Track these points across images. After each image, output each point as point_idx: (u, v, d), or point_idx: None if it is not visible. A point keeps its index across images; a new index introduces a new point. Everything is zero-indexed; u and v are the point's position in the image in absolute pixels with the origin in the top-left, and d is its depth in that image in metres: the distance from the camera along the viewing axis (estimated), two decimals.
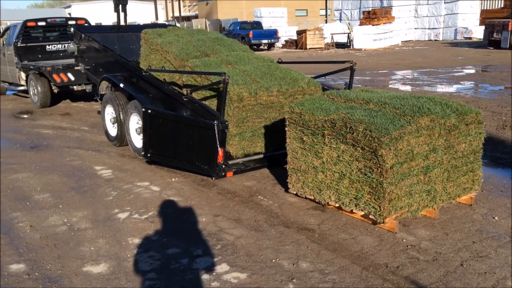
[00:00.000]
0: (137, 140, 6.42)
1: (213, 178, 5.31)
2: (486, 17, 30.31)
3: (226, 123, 5.03)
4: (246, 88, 5.24)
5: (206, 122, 5.08)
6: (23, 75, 11.45)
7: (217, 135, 4.93)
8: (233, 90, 5.13)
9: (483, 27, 27.18)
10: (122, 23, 9.03)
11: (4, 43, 12.33)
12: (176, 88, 6.10)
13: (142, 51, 6.90)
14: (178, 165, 5.69)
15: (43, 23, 11.73)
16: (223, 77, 4.90)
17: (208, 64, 5.90)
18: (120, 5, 8.81)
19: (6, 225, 4.36)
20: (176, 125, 5.49)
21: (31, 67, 10.85)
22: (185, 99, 5.54)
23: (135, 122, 6.44)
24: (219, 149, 4.96)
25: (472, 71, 15.46)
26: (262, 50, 30.72)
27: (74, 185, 5.45)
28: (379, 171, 3.70)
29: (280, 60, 6.84)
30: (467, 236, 3.85)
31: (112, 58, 7.47)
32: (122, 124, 6.75)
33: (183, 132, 5.40)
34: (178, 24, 35.17)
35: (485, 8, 34.35)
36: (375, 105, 4.18)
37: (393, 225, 3.90)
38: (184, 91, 5.83)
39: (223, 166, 5.17)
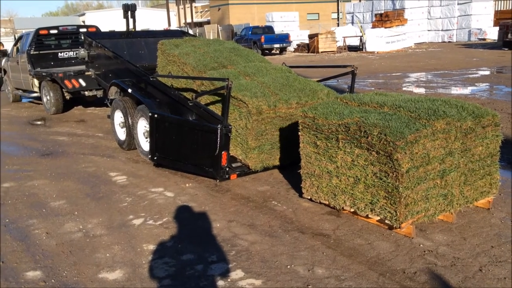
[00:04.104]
0: (145, 144, 6.54)
1: (218, 181, 5.43)
2: (500, 18, 30.01)
3: (230, 127, 5.12)
4: (265, 101, 5.22)
5: (210, 126, 5.21)
6: (36, 82, 11.62)
7: (220, 139, 5.03)
8: (252, 103, 5.13)
9: (497, 28, 26.89)
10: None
11: (18, 51, 12.52)
12: (183, 93, 6.16)
13: (159, 62, 6.94)
14: (184, 168, 5.79)
15: (55, 31, 11.90)
16: (226, 83, 4.97)
17: (226, 76, 5.90)
18: (129, 12, 8.91)
19: (23, 232, 4.40)
20: (181, 129, 5.60)
21: (43, 74, 10.99)
22: (190, 104, 5.66)
23: (142, 126, 6.55)
24: (222, 152, 5.07)
25: (487, 72, 15.28)
26: (274, 54, 30.75)
27: (89, 192, 5.49)
28: (394, 175, 3.65)
29: (284, 64, 6.83)
30: (486, 241, 3.78)
31: (120, 64, 7.56)
32: (130, 128, 6.84)
33: (188, 136, 5.52)
34: (190, 30, 35.41)
35: (499, 9, 34.01)
36: (390, 109, 4.14)
37: (410, 230, 3.85)
38: (189, 96, 5.90)
39: (227, 169, 5.27)
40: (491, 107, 8.40)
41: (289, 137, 5.38)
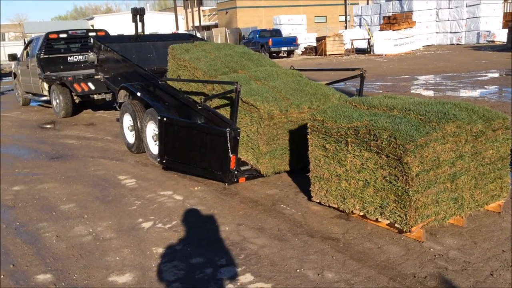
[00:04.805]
0: (154, 147, 6.57)
1: (226, 184, 5.43)
2: (509, 20, 29.84)
3: (238, 130, 5.12)
4: (277, 106, 5.20)
5: (219, 130, 5.21)
6: (45, 85, 11.72)
7: (229, 142, 5.03)
8: (263, 107, 5.12)
9: (506, 30, 26.73)
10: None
11: (28, 55, 12.64)
12: (192, 97, 6.17)
13: (170, 67, 6.96)
14: (192, 171, 5.80)
15: (64, 35, 12.01)
16: (235, 86, 4.97)
17: (237, 81, 5.91)
18: (138, 15, 8.96)
19: (33, 235, 4.43)
20: (190, 133, 5.62)
21: (53, 77, 11.09)
22: (199, 107, 5.67)
23: (151, 130, 6.57)
24: (231, 155, 5.06)
25: (496, 75, 15.19)
26: (282, 57, 30.77)
27: (99, 195, 5.51)
28: (404, 179, 3.64)
29: (292, 67, 6.83)
30: (497, 245, 3.75)
31: (129, 67, 7.61)
32: (139, 131, 6.87)
33: (197, 139, 5.53)
34: (198, 34, 35.51)
35: (508, 11, 33.80)
36: (399, 112, 4.12)
37: (420, 234, 3.82)
38: (198, 99, 5.91)
39: (236, 172, 5.26)
40: (501, 110, 8.33)
41: (301, 142, 5.37)
